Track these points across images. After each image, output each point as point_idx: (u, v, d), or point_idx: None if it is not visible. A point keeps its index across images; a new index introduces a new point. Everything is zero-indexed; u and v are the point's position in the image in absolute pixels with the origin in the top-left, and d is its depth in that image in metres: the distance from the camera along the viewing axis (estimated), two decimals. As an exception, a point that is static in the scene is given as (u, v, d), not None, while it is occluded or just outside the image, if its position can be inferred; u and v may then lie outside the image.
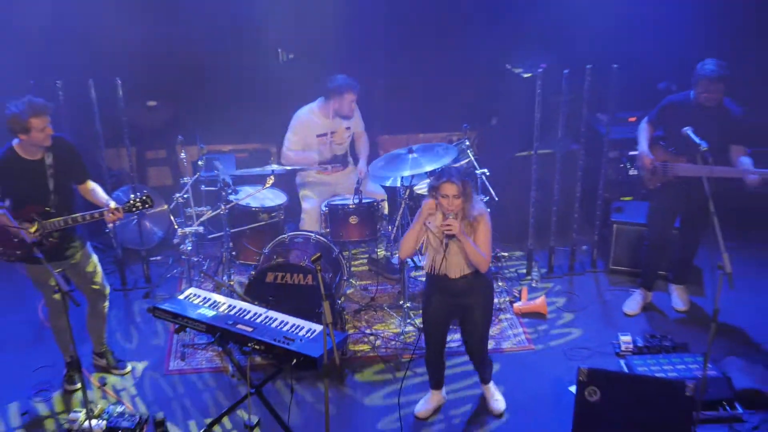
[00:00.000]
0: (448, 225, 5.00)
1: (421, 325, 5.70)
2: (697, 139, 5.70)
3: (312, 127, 7.19)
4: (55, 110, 5.61)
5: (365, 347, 6.56)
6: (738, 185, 6.14)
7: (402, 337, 6.63)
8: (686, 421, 5.10)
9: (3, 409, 5.96)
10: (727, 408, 5.66)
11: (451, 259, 5.18)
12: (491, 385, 5.86)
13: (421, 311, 5.69)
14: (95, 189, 5.83)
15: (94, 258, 6.02)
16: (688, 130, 5.85)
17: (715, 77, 6.06)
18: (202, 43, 8.06)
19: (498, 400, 5.82)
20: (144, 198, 5.60)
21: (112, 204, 5.55)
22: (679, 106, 6.39)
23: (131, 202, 5.58)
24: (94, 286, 6.02)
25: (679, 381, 5.18)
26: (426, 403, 5.79)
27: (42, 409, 5.96)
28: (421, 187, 7.03)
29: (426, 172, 6.57)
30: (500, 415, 5.74)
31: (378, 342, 6.60)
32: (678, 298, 6.99)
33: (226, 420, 5.74)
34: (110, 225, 6.21)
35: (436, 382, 5.79)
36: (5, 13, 7.56)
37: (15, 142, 5.49)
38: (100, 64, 7.32)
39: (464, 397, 5.97)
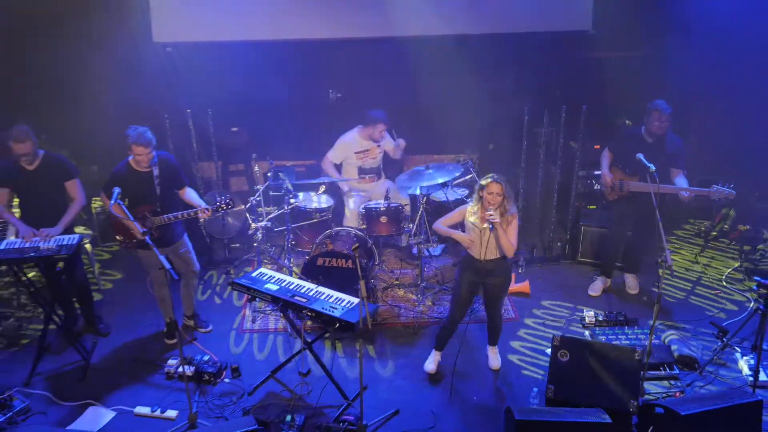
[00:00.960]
0: (491, 214, 5.06)
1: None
2: (647, 163, 5.66)
3: (353, 145, 7.26)
4: (161, 134, 5.68)
5: (390, 316, 6.55)
6: (676, 199, 6.13)
7: (419, 308, 6.61)
8: (635, 378, 5.04)
9: (121, 355, 6.04)
10: (667, 369, 5.62)
11: (488, 246, 5.20)
12: (496, 348, 5.82)
13: (452, 289, 5.68)
14: (191, 193, 5.89)
15: (189, 245, 6.06)
16: (640, 156, 5.82)
17: (664, 110, 6.07)
18: (273, 84, 8.10)
19: (497, 360, 5.79)
20: (228, 201, 5.65)
21: (204, 205, 5.67)
22: (633, 138, 6.34)
23: (219, 204, 5.63)
24: (189, 266, 6.06)
25: (631, 347, 5.12)
26: (433, 363, 5.73)
27: (147, 356, 6.01)
28: (436, 196, 7.04)
29: (438, 183, 6.61)
30: (497, 370, 5.74)
31: (400, 312, 6.59)
32: (631, 284, 6.91)
33: (285, 368, 5.75)
34: (201, 220, 6.24)
35: (442, 346, 5.73)
36: (134, 65, 7.70)
37: (131, 157, 5.56)
38: (196, 99, 7.37)
39: (469, 359, 5.95)
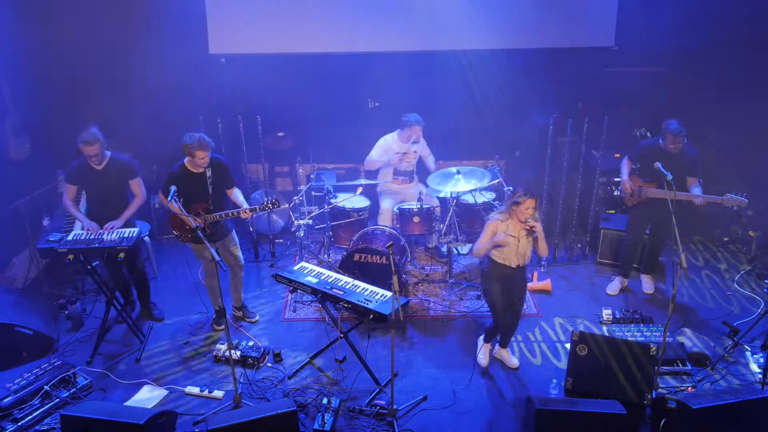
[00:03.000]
0: (532, 226, 5.06)
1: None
2: (664, 171, 5.56)
3: (391, 147, 7.20)
4: (214, 138, 5.73)
5: (421, 309, 6.53)
6: (691, 205, 6.03)
7: (447, 303, 6.58)
8: (650, 372, 4.97)
9: (174, 339, 6.12)
10: (680, 365, 5.51)
11: (523, 254, 5.22)
12: (508, 349, 5.74)
13: (484, 296, 5.56)
14: (238, 194, 5.92)
15: (237, 240, 6.11)
16: (658, 165, 5.71)
17: (677, 133, 5.97)
18: (316, 93, 8.17)
19: (514, 359, 5.70)
20: (274, 200, 5.66)
21: (246, 206, 5.70)
22: (651, 148, 6.24)
23: (265, 203, 5.65)
24: (236, 260, 6.12)
25: (646, 344, 5.05)
26: (484, 356, 5.69)
27: (197, 341, 6.09)
28: (465, 198, 7.00)
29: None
30: (517, 368, 5.66)
31: (430, 305, 6.57)
32: (647, 284, 6.80)
33: (322, 355, 5.78)
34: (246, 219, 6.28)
35: (491, 339, 5.70)
36: (191, 75, 7.79)
37: (185, 159, 5.61)
38: (247, 106, 7.45)
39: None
